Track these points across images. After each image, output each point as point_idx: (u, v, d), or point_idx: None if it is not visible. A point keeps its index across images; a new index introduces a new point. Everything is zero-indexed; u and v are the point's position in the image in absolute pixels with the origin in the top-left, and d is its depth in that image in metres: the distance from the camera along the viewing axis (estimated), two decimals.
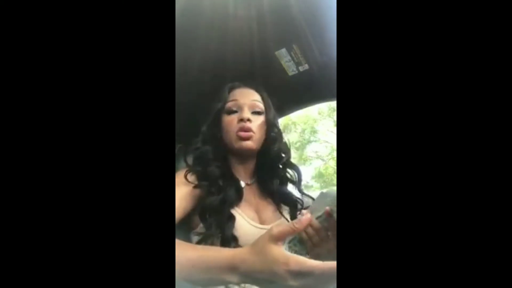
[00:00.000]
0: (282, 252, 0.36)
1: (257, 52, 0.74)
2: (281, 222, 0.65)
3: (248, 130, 0.65)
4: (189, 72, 0.72)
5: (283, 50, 0.75)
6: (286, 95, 0.75)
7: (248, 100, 0.68)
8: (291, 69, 0.81)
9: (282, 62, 0.79)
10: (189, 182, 0.60)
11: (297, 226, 0.37)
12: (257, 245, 0.38)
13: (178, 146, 0.81)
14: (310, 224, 0.41)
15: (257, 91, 0.72)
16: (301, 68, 0.80)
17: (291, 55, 0.77)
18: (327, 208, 0.43)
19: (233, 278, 0.39)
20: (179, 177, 0.61)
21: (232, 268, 0.39)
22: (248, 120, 0.66)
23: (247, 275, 0.38)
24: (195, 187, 0.60)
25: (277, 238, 0.37)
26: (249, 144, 0.66)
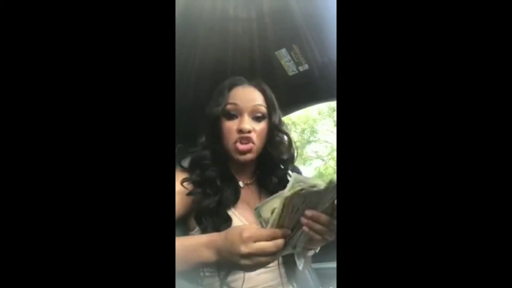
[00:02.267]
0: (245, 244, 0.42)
1: (257, 53, 0.74)
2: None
3: (248, 142, 0.61)
4: (189, 72, 0.72)
5: (283, 50, 0.75)
6: (286, 95, 0.75)
7: (249, 104, 0.63)
8: (291, 69, 0.81)
9: (282, 62, 0.79)
10: (185, 188, 0.59)
11: (268, 233, 0.42)
12: (229, 238, 0.44)
13: (178, 146, 0.81)
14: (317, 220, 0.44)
15: (260, 89, 0.66)
16: (301, 68, 0.80)
17: (291, 55, 0.77)
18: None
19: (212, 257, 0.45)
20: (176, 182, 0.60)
21: (209, 248, 0.45)
22: (249, 132, 0.61)
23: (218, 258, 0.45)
24: (188, 194, 0.59)
25: (248, 240, 0.42)
26: (248, 157, 0.62)
